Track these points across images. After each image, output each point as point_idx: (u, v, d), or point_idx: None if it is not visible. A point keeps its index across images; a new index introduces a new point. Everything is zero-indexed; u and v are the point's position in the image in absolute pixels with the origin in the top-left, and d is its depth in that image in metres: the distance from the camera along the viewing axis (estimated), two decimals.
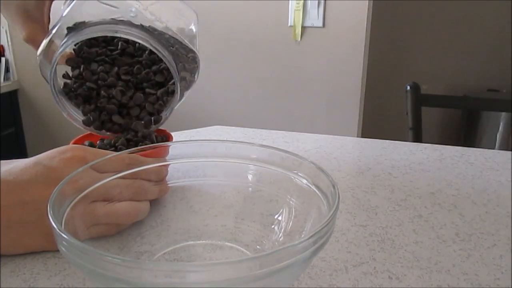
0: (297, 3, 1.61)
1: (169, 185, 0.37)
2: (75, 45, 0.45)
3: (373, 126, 2.15)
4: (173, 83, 0.45)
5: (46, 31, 0.44)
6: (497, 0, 2.22)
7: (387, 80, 2.39)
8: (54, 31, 0.41)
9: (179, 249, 0.34)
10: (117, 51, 0.45)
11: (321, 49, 1.66)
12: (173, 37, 0.43)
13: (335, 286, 0.30)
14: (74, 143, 0.46)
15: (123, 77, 0.45)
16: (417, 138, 1.14)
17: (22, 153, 2.12)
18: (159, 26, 0.43)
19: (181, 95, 0.45)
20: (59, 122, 2.05)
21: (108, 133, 0.46)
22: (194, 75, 0.47)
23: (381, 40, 2.28)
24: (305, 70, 1.70)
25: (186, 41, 0.44)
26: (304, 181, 0.32)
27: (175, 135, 0.51)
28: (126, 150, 0.34)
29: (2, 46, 2.04)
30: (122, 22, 0.42)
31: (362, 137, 1.36)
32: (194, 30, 0.47)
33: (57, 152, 0.35)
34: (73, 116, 0.45)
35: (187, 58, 0.45)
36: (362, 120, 1.73)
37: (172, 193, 0.37)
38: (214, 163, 0.36)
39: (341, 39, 1.62)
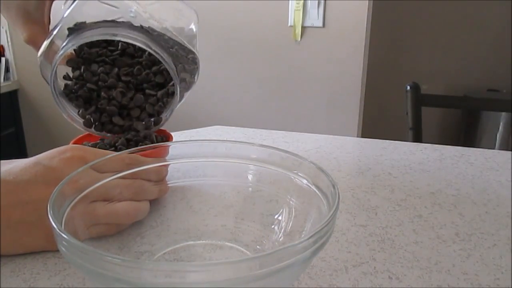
0: (297, 3, 1.61)
1: (169, 185, 0.37)
2: (79, 47, 0.45)
3: (373, 126, 2.15)
4: (173, 84, 0.45)
5: (46, 32, 0.44)
6: (497, 0, 2.22)
7: (387, 80, 2.39)
8: (55, 32, 0.41)
9: (179, 249, 0.34)
10: (118, 52, 0.45)
11: (321, 49, 1.66)
12: (172, 38, 0.43)
13: (335, 286, 0.30)
14: (74, 143, 0.46)
15: (123, 78, 0.45)
16: (417, 138, 1.14)
17: (22, 153, 2.12)
18: (158, 27, 0.43)
19: (181, 96, 0.45)
20: (59, 122, 2.05)
21: (108, 134, 0.46)
22: (194, 76, 0.47)
23: (381, 40, 2.28)
24: (305, 70, 1.70)
25: (186, 42, 0.44)
26: (304, 181, 0.32)
27: (175, 135, 0.51)
28: (126, 150, 0.34)
29: (2, 46, 2.04)
30: (121, 24, 0.42)
31: (362, 137, 1.36)
32: (194, 29, 0.47)
33: (57, 152, 0.35)
34: (73, 117, 0.45)
35: (187, 59, 0.45)
36: (362, 120, 1.73)
37: (172, 193, 0.37)
38: (214, 163, 0.36)
39: (341, 39, 1.62)
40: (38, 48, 0.43)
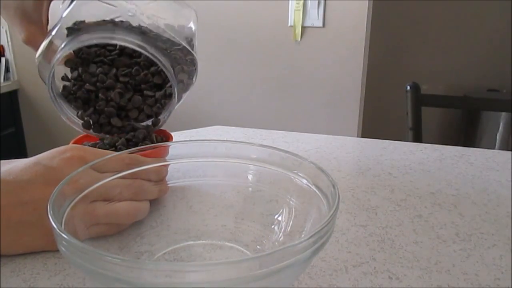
0: (297, 3, 1.61)
1: (169, 185, 0.37)
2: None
3: (373, 126, 2.15)
4: (171, 86, 0.45)
5: (45, 32, 0.44)
6: (497, 0, 2.22)
7: (387, 80, 2.39)
8: (54, 32, 0.41)
9: (179, 249, 0.34)
10: (116, 52, 0.45)
11: (321, 49, 1.66)
12: (170, 39, 0.43)
13: (335, 286, 0.30)
14: (74, 143, 0.46)
15: (121, 78, 0.45)
16: (417, 138, 1.14)
17: (22, 153, 2.12)
18: (156, 27, 0.43)
19: (179, 97, 0.45)
20: (59, 122, 2.04)
21: (107, 135, 0.46)
22: (192, 77, 0.47)
23: (381, 40, 2.28)
24: (305, 70, 1.70)
25: (184, 43, 0.44)
26: (304, 181, 0.32)
27: (175, 135, 0.51)
28: (126, 150, 0.34)
29: (2, 46, 2.04)
30: (119, 25, 0.42)
31: (362, 137, 1.36)
32: (193, 28, 0.47)
33: (57, 152, 0.35)
34: (72, 119, 0.45)
35: (185, 60, 0.45)
36: (362, 120, 1.73)
37: (172, 193, 0.37)
38: (214, 163, 0.36)
39: (341, 39, 1.62)
40: (36, 48, 0.43)
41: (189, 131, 0.71)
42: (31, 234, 0.32)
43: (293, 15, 1.63)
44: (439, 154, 0.61)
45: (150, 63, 0.46)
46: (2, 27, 2.02)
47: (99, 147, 0.45)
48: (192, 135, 0.69)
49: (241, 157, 0.36)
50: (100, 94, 0.44)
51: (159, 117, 0.46)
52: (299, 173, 0.33)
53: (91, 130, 0.45)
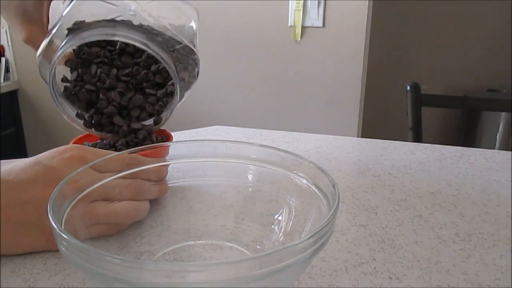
0: (297, 3, 1.61)
1: (169, 185, 0.37)
2: (79, 47, 0.45)
3: (373, 126, 2.15)
4: (173, 84, 0.45)
5: (45, 32, 0.44)
6: (497, 0, 2.22)
7: (387, 80, 2.39)
8: (54, 31, 0.41)
9: (179, 249, 0.34)
10: (116, 51, 0.45)
11: (321, 49, 1.66)
12: (172, 37, 0.43)
13: (335, 286, 0.30)
14: (74, 143, 0.46)
15: (122, 78, 0.44)
16: (417, 138, 1.14)
17: (22, 153, 2.12)
18: (158, 25, 0.43)
19: (181, 96, 0.45)
20: (59, 122, 2.05)
21: (109, 134, 0.46)
22: (194, 76, 0.47)
23: (381, 40, 2.28)
24: (305, 70, 1.70)
25: (186, 41, 0.44)
26: (304, 181, 0.32)
27: (175, 135, 0.51)
28: (126, 150, 0.34)
29: (2, 46, 2.04)
30: (121, 23, 0.42)
31: (362, 137, 1.36)
32: (194, 27, 0.47)
33: (56, 152, 0.35)
34: (73, 118, 0.45)
35: (186, 58, 0.45)
36: (362, 120, 1.73)
37: (172, 193, 0.37)
38: (214, 163, 0.36)
39: (341, 39, 1.62)
40: (36, 48, 0.43)
41: (189, 131, 0.71)
42: (31, 234, 0.32)
43: (293, 15, 1.63)
44: (439, 154, 0.61)
45: (151, 62, 0.46)
46: (2, 27, 2.02)
47: (99, 147, 0.45)
48: (192, 135, 0.69)
49: (241, 157, 0.36)
50: (100, 95, 0.44)
51: (161, 115, 0.46)
52: (299, 173, 0.33)
53: (93, 129, 0.45)
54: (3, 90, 1.97)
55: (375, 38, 1.87)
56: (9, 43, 2.03)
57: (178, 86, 0.43)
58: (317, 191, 0.30)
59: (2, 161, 0.34)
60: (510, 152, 0.61)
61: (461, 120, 2.36)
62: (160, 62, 0.46)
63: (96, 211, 0.32)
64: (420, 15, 2.32)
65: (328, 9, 1.60)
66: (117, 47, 0.46)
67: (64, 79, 0.45)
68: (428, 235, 0.38)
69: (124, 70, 0.45)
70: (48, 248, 0.33)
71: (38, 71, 0.43)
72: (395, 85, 2.26)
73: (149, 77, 0.45)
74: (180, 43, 0.44)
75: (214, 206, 0.37)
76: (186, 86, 0.47)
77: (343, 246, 0.36)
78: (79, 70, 0.45)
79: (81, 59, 0.45)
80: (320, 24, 1.62)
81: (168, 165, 0.37)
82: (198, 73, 0.47)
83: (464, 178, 0.52)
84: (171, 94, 0.46)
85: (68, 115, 0.44)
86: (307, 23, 1.63)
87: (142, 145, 0.43)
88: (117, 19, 0.42)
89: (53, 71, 0.41)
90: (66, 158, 0.34)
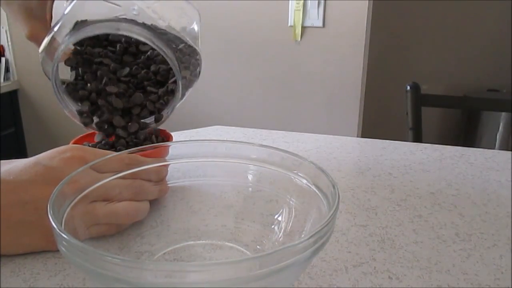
0: (297, 3, 1.61)
1: (169, 185, 0.37)
2: (81, 45, 0.45)
3: (373, 126, 2.15)
4: (173, 82, 0.45)
5: (48, 29, 0.44)
6: (497, 0, 2.22)
7: (387, 80, 2.39)
8: (56, 28, 0.41)
9: (179, 249, 0.34)
10: (117, 50, 0.45)
11: (321, 49, 1.66)
12: (175, 36, 0.43)
13: (335, 286, 0.30)
14: (74, 143, 0.46)
15: (122, 79, 0.44)
16: (417, 138, 1.14)
17: (22, 153, 2.12)
18: (161, 24, 0.43)
19: (182, 94, 0.45)
20: (59, 122, 2.05)
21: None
22: (196, 75, 0.47)
23: (381, 40, 2.28)
24: (305, 70, 1.70)
25: (189, 40, 0.44)
26: (304, 181, 0.32)
27: (175, 135, 0.51)
28: (126, 150, 0.34)
29: (2, 46, 2.04)
30: (124, 20, 0.42)
31: (362, 137, 1.36)
32: (196, 29, 0.47)
33: (56, 152, 0.35)
34: (75, 114, 0.45)
35: (189, 58, 0.45)
36: (362, 120, 1.73)
37: (172, 193, 0.37)
38: (214, 163, 0.36)
39: (341, 39, 1.62)
40: (39, 44, 0.42)
41: (189, 131, 0.71)
42: (31, 234, 0.32)
43: (293, 15, 1.63)
44: (439, 154, 0.61)
45: (150, 63, 0.46)
46: (2, 27, 2.02)
47: (99, 147, 0.45)
48: (192, 135, 0.69)
49: (241, 157, 0.36)
50: (99, 101, 0.43)
51: (162, 113, 0.46)
52: (299, 173, 0.33)
53: (93, 125, 0.45)
54: (3, 90, 1.97)
55: (375, 38, 1.87)
56: (9, 43, 2.03)
57: (180, 81, 0.43)
58: (317, 191, 0.30)
59: (2, 161, 0.34)
60: (510, 152, 0.61)
61: (461, 120, 2.36)
62: (160, 63, 0.46)
63: (96, 211, 0.32)
64: (420, 15, 2.32)
65: (328, 9, 1.60)
66: (117, 48, 0.45)
67: (65, 80, 0.45)
68: (428, 235, 0.38)
69: (124, 70, 0.45)
70: (48, 248, 0.33)
71: (40, 69, 0.43)
72: (395, 85, 2.26)
73: (150, 76, 0.45)
74: (183, 42, 0.44)
75: (214, 206, 0.37)
76: (187, 84, 0.47)
77: (343, 246, 0.36)
78: (79, 69, 0.45)
79: (82, 58, 0.45)
80: (320, 24, 1.62)
81: (168, 165, 0.37)
82: (199, 72, 0.47)
83: (464, 178, 0.52)
84: (172, 92, 0.46)
85: (69, 111, 0.44)
86: (307, 23, 1.63)
87: (142, 145, 0.43)
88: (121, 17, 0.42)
89: (55, 66, 0.41)
90: (66, 158, 0.34)
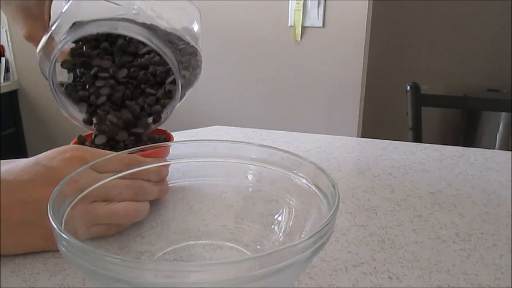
0: (297, 3, 1.61)
1: (169, 185, 0.37)
2: (82, 46, 0.44)
3: (373, 126, 2.15)
4: (170, 83, 0.44)
5: (46, 29, 0.44)
6: (497, 0, 2.22)
7: (387, 80, 2.39)
8: (53, 27, 0.41)
9: (179, 249, 0.34)
10: (115, 51, 0.45)
11: (321, 49, 1.66)
12: (175, 35, 0.43)
13: (335, 286, 0.30)
14: (74, 143, 0.46)
15: (122, 80, 0.44)
16: (417, 138, 1.14)
17: (22, 153, 2.12)
18: (161, 24, 0.43)
19: (182, 95, 0.45)
20: (59, 122, 2.05)
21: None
22: (195, 75, 0.47)
23: (381, 40, 2.28)
24: (305, 70, 1.70)
25: (189, 39, 0.44)
26: (304, 181, 0.32)
27: (175, 135, 0.51)
28: (126, 150, 0.34)
29: (2, 46, 2.04)
30: (124, 19, 0.42)
31: (362, 137, 1.36)
32: (195, 29, 0.47)
33: (56, 152, 0.34)
34: (73, 115, 0.44)
35: (189, 57, 0.45)
36: (362, 120, 1.73)
37: (172, 193, 0.37)
38: (214, 163, 0.36)
39: (341, 39, 1.62)
40: (37, 44, 0.42)
41: (189, 131, 0.71)
42: (31, 234, 0.32)
43: (293, 15, 1.63)
44: (439, 154, 0.61)
45: (147, 64, 0.46)
46: (2, 27, 2.02)
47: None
48: (192, 135, 0.69)
49: (241, 157, 0.36)
50: (99, 111, 0.43)
51: (161, 114, 0.46)
52: (299, 173, 0.33)
53: (92, 126, 0.45)
54: (3, 90, 1.97)
55: (375, 38, 1.87)
56: (9, 43, 2.03)
57: (180, 83, 0.43)
58: (317, 191, 0.30)
59: (2, 161, 0.34)
60: (510, 152, 0.61)
61: (461, 120, 2.36)
62: (157, 64, 0.46)
63: (96, 212, 0.32)
64: (420, 15, 2.32)
65: (328, 9, 1.60)
66: (114, 49, 0.45)
67: (63, 82, 0.45)
68: (428, 235, 0.38)
69: (122, 71, 0.44)
70: (48, 248, 0.33)
71: (39, 68, 0.43)
72: (395, 85, 2.26)
73: (148, 77, 0.45)
74: (184, 41, 0.43)
75: (214, 206, 0.37)
76: (187, 85, 0.47)
77: (343, 246, 0.36)
78: (77, 70, 0.44)
79: (79, 59, 0.44)
80: (320, 24, 1.62)
81: (168, 165, 0.37)
82: (200, 72, 0.47)
83: (464, 178, 0.52)
84: (170, 93, 0.46)
85: (67, 111, 0.44)
86: (307, 23, 1.63)
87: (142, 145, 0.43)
88: (120, 17, 0.42)
89: (52, 66, 0.41)
90: (66, 158, 0.34)
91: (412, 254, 0.35)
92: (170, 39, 0.43)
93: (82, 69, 0.44)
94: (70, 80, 0.45)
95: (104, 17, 0.42)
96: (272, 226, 0.35)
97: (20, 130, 2.14)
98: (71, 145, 0.39)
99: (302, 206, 0.33)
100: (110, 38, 0.46)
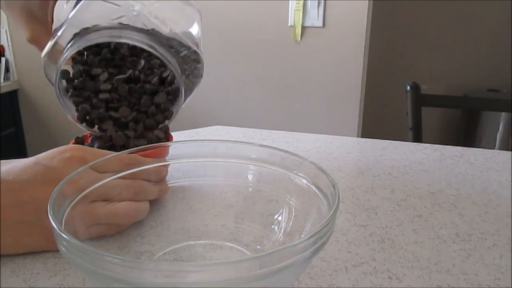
0: (297, 3, 1.61)
1: (169, 185, 0.37)
2: (86, 55, 0.44)
3: (373, 126, 2.15)
4: (174, 87, 0.45)
5: (49, 31, 0.44)
6: (497, 0, 2.22)
7: (387, 80, 2.39)
8: (59, 33, 0.41)
9: (179, 249, 0.34)
10: (116, 60, 0.45)
11: (321, 49, 1.66)
12: (176, 40, 0.43)
13: (335, 286, 0.30)
14: (74, 143, 0.46)
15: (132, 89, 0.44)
16: (417, 138, 1.14)
17: (22, 153, 2.12)
18: (162, 28, 0.43)
19: (184, 99, 0.45)
20: (59, 122, 2.05)
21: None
22: (197, 78, 0.47)
23: (381, 40, 2.28)
24: (305, 70, 1.70)
25: (190, 43, 0.44)
26: (304, 181, 0.32)
27: (175, 135, 0.51)
28: (126, 150, 0.34)
29: (2, 46, 2.04)
30: (127, 26, 0.42)
31: (362, 137, 1.36)
32: (196, 30, 0.47)
33: (56, 152, 0.34)
34: (77, 119, 0.44)
35: (192, 63, 0.45)
36: (362, 120, 1.73)
37: (172, 193, 0.37)
38: (214, 163, 0.36)
39: (341, 39, 1.62)
40: (40, 47, 0.42)
41: (189, 131, 0.71)
42: (31, 234, 0.32)
43: (293, 15, 1.63)
44: (439, 154, 0.61)
45: (149, 72, 0.46)
46: (2, 27, 2.02)
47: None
48: (192, 135, 0.69)
49: (241, 157, 0.36)
50: (102, 120, 0.43)
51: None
52: (299, 173, 0.33)
53: (95, 128, 0.45)
54: (3, 90, 1.97)
55: (375, 38, 1.87)
56: (9, 43, 2.03)
57: (183, 87, 0.43)
58: (317, 191, 0.30)
59: (2, 161, 0.34)
60: (510, 152, 0.61)
61: (461, 120, 2.36)
62: (157, 69, 0.46)
63: (96, 212, 0.32)
64: (420, 15, 2.32)
65: (328, 9, 1.60)
66: (115, 58, 0.45)
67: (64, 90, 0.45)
68: (428, 235, 0.38)
69: (122, 87, 0.44)
70: (48, 248, 0.33)
71: (41, 70, 0.43)
72: (395, 85, 2.26)
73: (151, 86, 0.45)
74: (185, 47, 0.44)
75: (214, 206, 0.37)
76: (190, 89, 0.47)
77: (343, 246, 0.36)
78: (75, 81, 0.44)
79: (82, 67, 0.44)
80: (320, 24, 1.62)
81: (168, 165, 0.37)
82: (202, 76, 0.47)
83: (464, 178, 0.52)
84: (174, 94, 0.46)
85: (72, 115, 0.44)
86: (307, 23, 1.63)
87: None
88: (120, 19, 0.42)
89: (58, 72, 0.41)
90: (66, 158, 0.34)
91: (412, 254, 0.35)
92: (171, 44, 0.43)
93: (81, 77, 0.44)
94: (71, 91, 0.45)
95: (106, 22, 0.42)
96: (272, 226, 0.35)
97: (20, 130, 2.15)
98: (71, 145, 0.39)
99: (302, 206, 0.33)
100: (112, 43, 0.46)
